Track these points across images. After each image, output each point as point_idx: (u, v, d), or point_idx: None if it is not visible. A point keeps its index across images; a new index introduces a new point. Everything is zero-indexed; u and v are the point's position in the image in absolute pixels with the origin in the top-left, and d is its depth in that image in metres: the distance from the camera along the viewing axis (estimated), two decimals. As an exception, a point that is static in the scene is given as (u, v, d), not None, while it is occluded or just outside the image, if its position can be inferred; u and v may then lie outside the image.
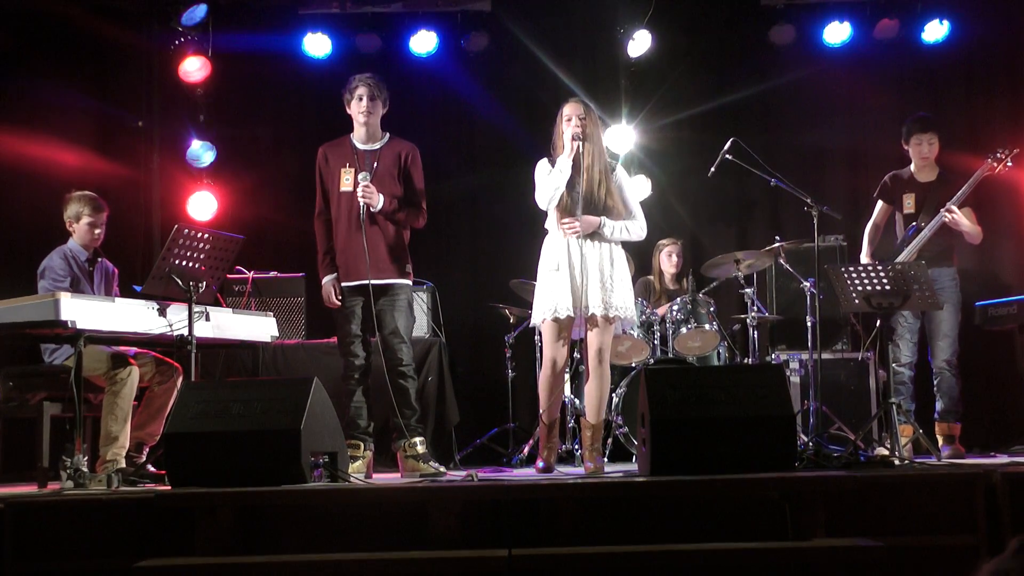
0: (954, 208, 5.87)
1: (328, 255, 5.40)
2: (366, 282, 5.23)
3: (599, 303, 4.95)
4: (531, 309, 5.24)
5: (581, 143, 4.99)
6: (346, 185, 5.34)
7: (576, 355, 6.27)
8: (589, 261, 4.98)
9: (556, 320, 5.00)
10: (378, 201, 5.25)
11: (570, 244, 5.00)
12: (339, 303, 5.34)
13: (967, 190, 5.90)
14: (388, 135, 5.48)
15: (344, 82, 5.49)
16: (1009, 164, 5.94)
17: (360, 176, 5.24)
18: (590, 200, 5.01)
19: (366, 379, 5.35)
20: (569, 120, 5.06)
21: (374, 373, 5.38)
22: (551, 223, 5.13)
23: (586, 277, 4.95)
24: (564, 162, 5.01)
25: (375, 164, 5.35)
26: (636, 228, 5.12)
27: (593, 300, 4.95)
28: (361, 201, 5.21)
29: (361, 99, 5.36)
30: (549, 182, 5.04)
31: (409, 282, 5.43)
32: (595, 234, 5.01)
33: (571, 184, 5.02)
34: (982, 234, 6.05)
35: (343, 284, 5.34)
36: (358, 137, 5.44)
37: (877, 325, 5.55)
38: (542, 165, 5.16)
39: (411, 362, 5.36)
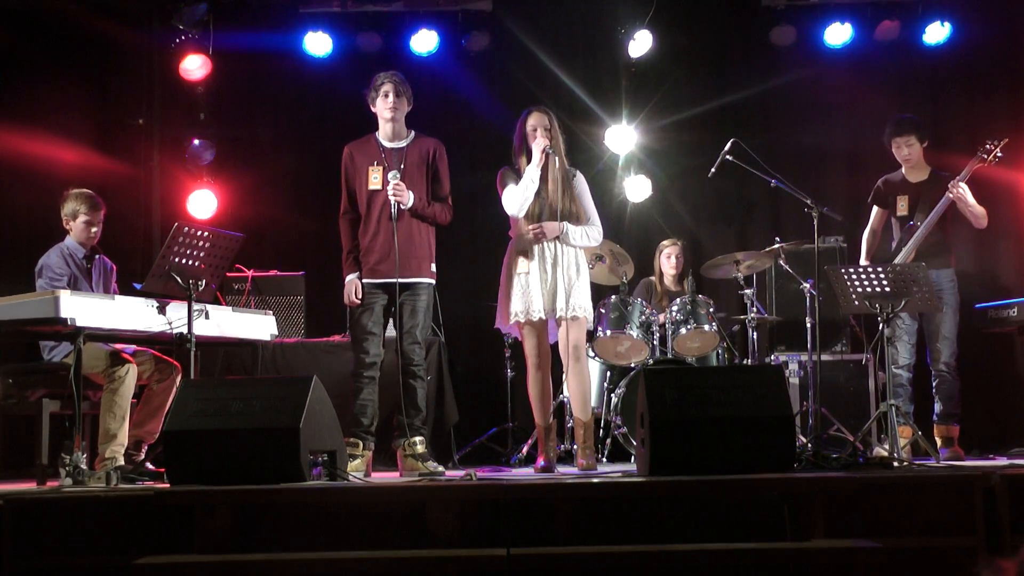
0: (960, 184, 5.86)
1: (352, 253, 5.40)
2: (392, 280, 5.24)
3: (565, 306, 5.12)
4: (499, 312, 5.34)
5: (550, 154, 5.14)
6: (374, 183, 5.35)
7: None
8: (558, 265, 5.14)
9: (529, 323, 5.14)
10: (408, 199, 5.26)
11: (537, 250, 5.15)
12: (359, 301, 5.33)
13: (963, 178, 5.90)
14: (413, 132, 5.50)
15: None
16: (999, 155, 5.93)
17: (390, 175, 5.25)
18: (554, 207, 5.16)
19: (375, 378, 5.35)
20: (535, 130, 5.23)
21: (382, 373, 5.39)
22: (514, 230, 5.28)
23: (555, 281, 5.13)
24: (533, 172, 5.17)
25: (403, 162, 5.36)
26: (595, 233, 5.30)
27: (560, 303, 5.12)
28: (392, 199, 5.22)
29: (387, 95, 5.36)
30: (519, 192, 5.19)
31: (432, 281, 5.45)
32: (559, 239, 5.17)
33: (537, 192, 5.19)
34: (987, 217, 6.05)
35: (366, 281, 5.34)
36: (384, 135, 5.44)
37: (880, 327, 5.55)
38: (506, 174, 5.31)
39: (422, 363, 5.39)
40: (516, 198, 5.18)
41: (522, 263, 5.18)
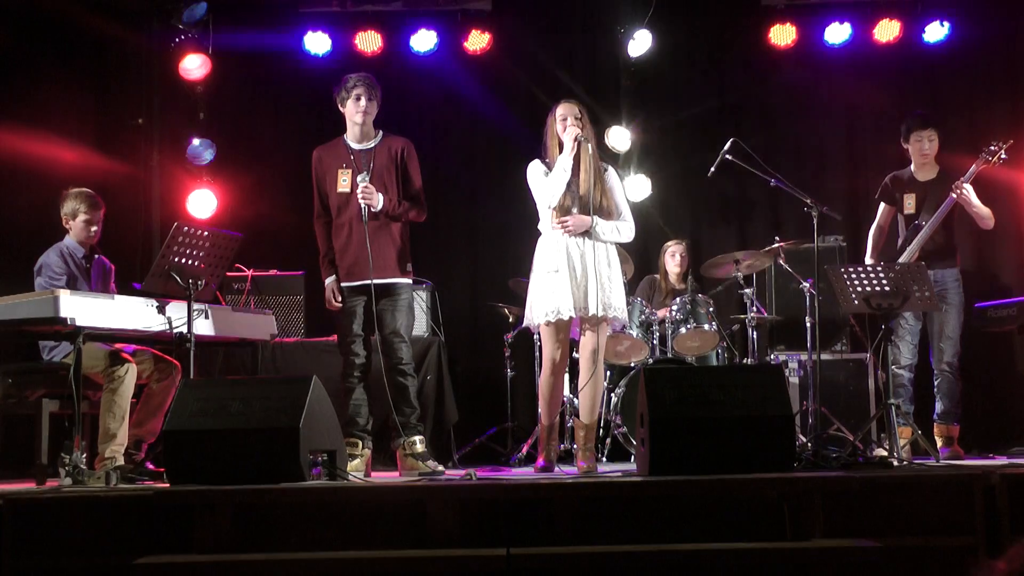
0: (963, 185, 5.86)
1: (328, 256, 5.41)
2: (368, 282, 5.24)
3: (598, 303, 4.97)
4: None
5: (583, 141, 5.02)
6: (343, 186, 5.36)
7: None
8: (588, 261, 5.01)
9: (559, 322, 5.01)
10: (378, 201, 5.26)
11: (569, 245, 5.02)
12: (340, 304, 5.34)
13: (967, 179, 5.90)
14: (381, 133, 5.49)
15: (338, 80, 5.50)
16: (1004, 156, 5.93)
17: (359, 177, 5.25)
18: (586, 200, 5.04)
19: (366, 378, 5.36)
20: (564, 120, 5.08)
21: (373, 372, 5.39)
22: (544, 225, 5.16)
23: (586, 278, 4.98)
24: (566, 160, 5.02)
25: (371, 163, 5.36)
26: (626, 229, 5.16)
27: (592, 301, 4.97)
28: (361, 202, 5.22)
29: (359, 99, 5.36)
30: (552, 181, 5.03)
31: (410, 281, 5.44)
32: (590, 234, 5.03)
33: (568, 184, 5.06)
34: (993, 217, 6.05)
35: (344, 284, 5.35)
36: (352, 137, 5.45)
37: (883, 327, 5.55)
38: (536, 167, 5.17)
39: (411, 361, 5.38)
40: (548, 188, 5.04)
41: (551, 261, 5.04)
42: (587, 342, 5.06)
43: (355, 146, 5.43)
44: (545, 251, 5.11)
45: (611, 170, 5.26)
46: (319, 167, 5.46)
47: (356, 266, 5.32)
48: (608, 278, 5.04)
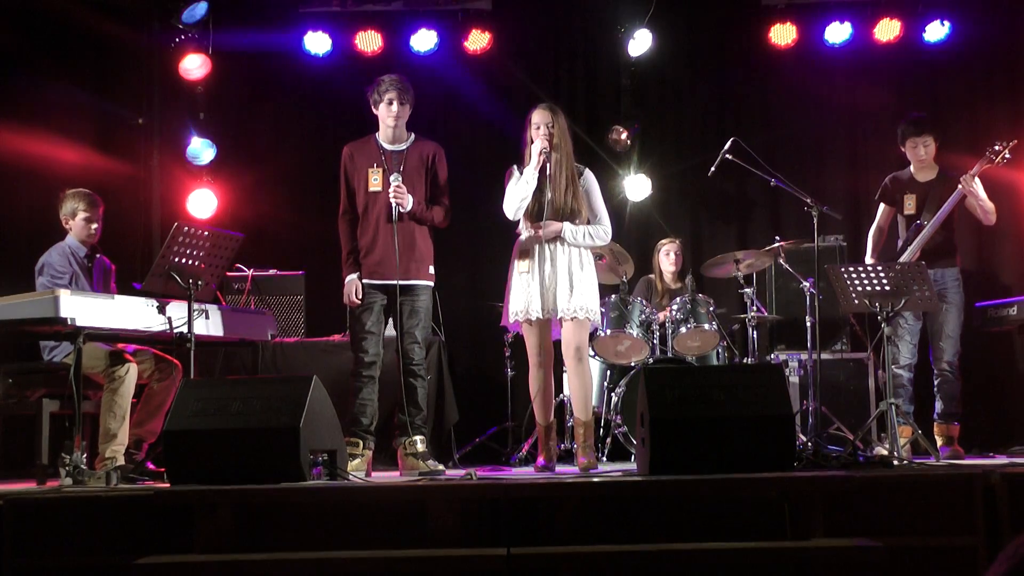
0: (969, 177, 5.86)
1: (352, 254, 5.42)
2: (392, 282, 5.25)
3: (567, 306, 5.08)
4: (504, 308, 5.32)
5: (548, 154, 5.09)
6: (374, 185, 5.38)
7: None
8: (558, 264, 5.10)
9: (528, 322, 5.13)
10: (408, 202, 5.27)
11: (539, 248, 5.11)
12: (359, 302, 5.35)
13: (975, 173, 5.89)
14: (413, 135, 5.52)
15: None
16: (1007, 156, 5.93)
17: (392, 177, 5.27)
18: (557, 206, 5.12)
19: (375, 377, 5.37)
20: (537, 128, 5.16)
21: (381, 371, 5.40)
22: (521, 226, 5.25)
23: (555, 280, 5.07)
24: (530, 174, 5.12)
25: (402, 165, 5.37)
26: (600, 232, 5.22)
27: (561, 303, 5.08)
28: (393, 202, 5.23)
29: (391, 103, 5.38)
30: (515, 193, 5.15)
31: (431, 283, 5.47)
32: (560, 239, 5.12)
33: (539, 191, 5.13)
34: (995, 212, 6.05)
35: (366, 282, 5.36)
36: (385, 138, 5.46)
37: (883, 326, 5.55)
38: (512, 173, 5.26)
39: (422, 363, 5.42)
40: (512, 200, 5.16)
41: (523, 262, 5.17)
42: (568, 340, 5.15)
43: (387, 147, 5.45)
44: (519, 252, 5.22)
45: (588, 173, 5.32)
46: (349, 164, 5.47)
47: (380, 265, 5.34)
48: (579, 280, 5.14)
